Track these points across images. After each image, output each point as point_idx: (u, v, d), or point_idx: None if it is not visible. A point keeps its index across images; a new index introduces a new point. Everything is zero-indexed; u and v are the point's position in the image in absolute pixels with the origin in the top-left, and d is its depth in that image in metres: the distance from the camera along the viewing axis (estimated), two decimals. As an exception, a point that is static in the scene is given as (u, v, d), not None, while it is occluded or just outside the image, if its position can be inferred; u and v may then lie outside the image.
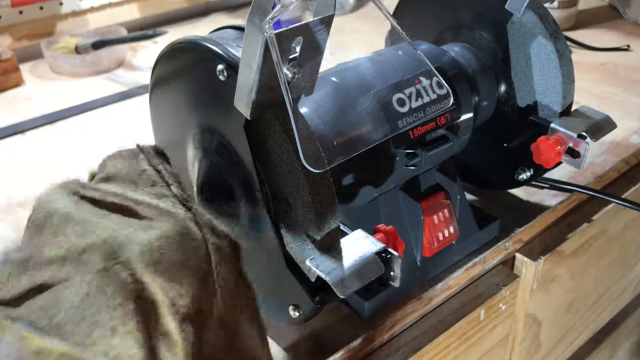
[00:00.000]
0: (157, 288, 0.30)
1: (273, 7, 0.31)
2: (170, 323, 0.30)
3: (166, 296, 0.30)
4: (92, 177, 0.35)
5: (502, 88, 0.56)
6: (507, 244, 0.57)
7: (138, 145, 0.36)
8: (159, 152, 0.36)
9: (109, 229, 0.31)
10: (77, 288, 0.30)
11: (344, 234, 0.40)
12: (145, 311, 0.30)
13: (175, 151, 0.48)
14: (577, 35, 0.98)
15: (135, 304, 0.30)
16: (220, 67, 0.38)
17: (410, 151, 0.48)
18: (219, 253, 0.33)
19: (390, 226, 0.42)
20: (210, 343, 0.32)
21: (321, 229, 0.38)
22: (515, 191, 0.62)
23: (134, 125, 0.77)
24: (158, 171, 0.35)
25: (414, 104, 0.46)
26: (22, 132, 0.78)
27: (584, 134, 0.51)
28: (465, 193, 0.56)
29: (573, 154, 0.51)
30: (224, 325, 0.33)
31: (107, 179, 0.34)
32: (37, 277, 0.31)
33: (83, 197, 0.33)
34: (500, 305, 0.57)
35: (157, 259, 0.31)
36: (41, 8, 0.97)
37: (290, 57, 0.34)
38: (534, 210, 0.60)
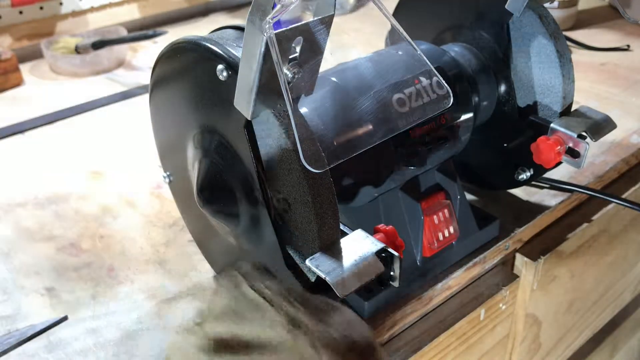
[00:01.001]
0: None
1: (273, 7, 0.31)
2: None
3: None
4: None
5: (502, 88, 0.55)
6: (507, 244, 0.57)
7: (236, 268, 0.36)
8: (258, 269, 0.36)
9: None
10: None
11: (344, 234, 0.40)
12: None
13: (176, 151, 0.48)
14: (577, 35, 0.98)
15: None
16: (220, 67, 0.38)
17: (410, 151, 0.48)
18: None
19: (390, 226, 0.42)
20: None
21: (321, 228, 0.38)
22: (515, 191, 0.62)
23: (134, 125, 0.77)
24: (261, 294, 0.34)
25: (414, 104, 0.46)
26: (22, 132, 0.78)
27: (584, 134, 0.51)
28: (465, 193, 0.56)
29: (573, 154, 0.51)
30: None
31: (216, 317, 0.34)
32: None
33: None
34: (500, 305, 0.57)
35: None
36: (41, 8, 0.97)
37: (290, 57, 0.34)
38: (534, 210, 0.60)
